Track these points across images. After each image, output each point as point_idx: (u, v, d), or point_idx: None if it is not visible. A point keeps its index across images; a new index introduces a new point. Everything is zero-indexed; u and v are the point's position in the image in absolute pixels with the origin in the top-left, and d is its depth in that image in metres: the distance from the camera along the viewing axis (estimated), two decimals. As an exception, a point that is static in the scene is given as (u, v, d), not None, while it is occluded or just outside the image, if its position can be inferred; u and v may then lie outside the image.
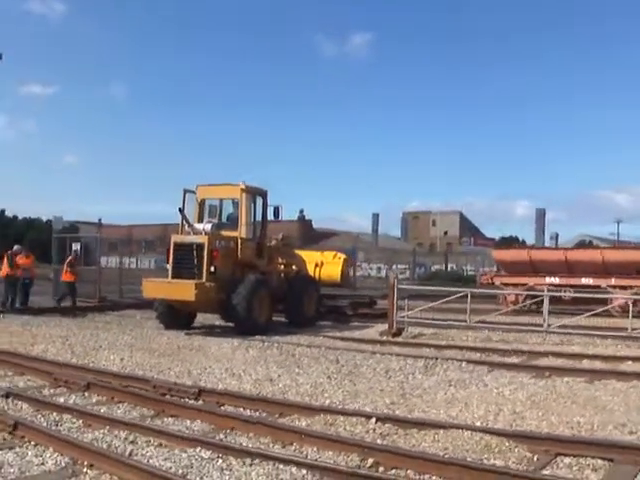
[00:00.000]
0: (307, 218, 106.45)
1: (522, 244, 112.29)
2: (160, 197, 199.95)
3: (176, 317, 22.09)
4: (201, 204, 23.19)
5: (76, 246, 33.83)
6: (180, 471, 7.57)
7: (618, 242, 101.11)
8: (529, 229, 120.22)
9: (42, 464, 7.91)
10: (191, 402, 11.29)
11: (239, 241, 21.96)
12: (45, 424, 9.67)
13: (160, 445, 8.69)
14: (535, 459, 8.25)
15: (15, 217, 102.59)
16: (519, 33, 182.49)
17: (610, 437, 9.34)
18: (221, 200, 23.73)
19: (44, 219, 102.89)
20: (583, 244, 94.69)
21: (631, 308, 20.60)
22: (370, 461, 8.00)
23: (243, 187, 22.13)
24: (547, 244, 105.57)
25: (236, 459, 7.94)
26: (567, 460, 8.30)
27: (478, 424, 9.85)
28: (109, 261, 43.33)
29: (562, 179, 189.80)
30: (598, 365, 15.97)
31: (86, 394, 12.03)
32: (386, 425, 9.54)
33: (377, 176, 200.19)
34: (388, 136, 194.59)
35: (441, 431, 9.06)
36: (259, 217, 23.12)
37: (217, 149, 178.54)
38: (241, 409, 10.86)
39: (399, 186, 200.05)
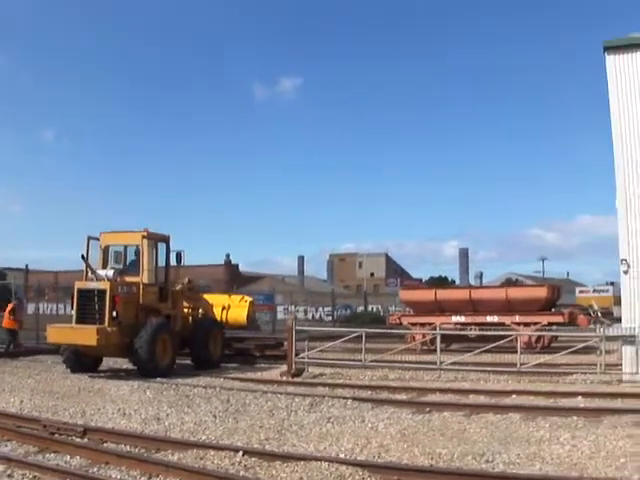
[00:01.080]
0: (233, 262, 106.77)
1: (449, 283, 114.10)
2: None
3: (82, 361, 22.27)
4: (105, 250, 23.46)
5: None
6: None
7: (543, 279, 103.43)
8: (458, 267, 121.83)
9: None
10: (77, 440, 11.68)
11: (141, 286, 22.25)
12: None
13: (34, 478, 9.19)
14: (386, 487, 8.87)
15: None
16: (435, 78, 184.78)
17: (464, 466, 10.00)
18: (125, 247, 23.97)
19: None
20: (509, 282, 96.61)
21: (536, 343, 21.25)
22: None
23: (144, 234, 22.53)
24: (472, 282, 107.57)
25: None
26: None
27: (342, 456, 10.43)
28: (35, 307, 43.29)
29: (492, 218, 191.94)
30: (481, 399, 16.71)
31: None
32: (252, 459, 10.10)
33: (308, 219, 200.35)
34: (321, 178, 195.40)
35: (302, 463, 9.64)
36: (162, 262, 23.47)
37: (144, 197, 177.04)
38: (122, 445, 11.31)
39: (330, 229, 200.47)
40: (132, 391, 17.88)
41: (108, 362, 23.80)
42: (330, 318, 57.43)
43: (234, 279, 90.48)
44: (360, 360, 21.84)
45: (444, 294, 33.54)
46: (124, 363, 23.44)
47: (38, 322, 34.85)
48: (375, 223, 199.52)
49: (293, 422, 13.60)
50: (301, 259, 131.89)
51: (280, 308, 56.06)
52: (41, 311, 40.97)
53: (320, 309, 63.40)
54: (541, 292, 32.05)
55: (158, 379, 20.11)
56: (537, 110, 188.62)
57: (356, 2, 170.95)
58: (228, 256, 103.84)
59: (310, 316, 62.13)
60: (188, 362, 24.10)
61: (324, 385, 19.24)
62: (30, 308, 41.81)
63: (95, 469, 9.80)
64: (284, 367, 22.55)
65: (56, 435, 12.04)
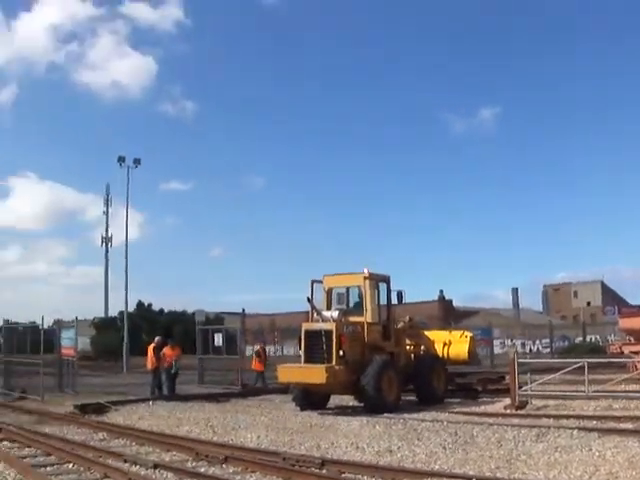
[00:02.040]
0: (447, 298, 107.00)
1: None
2: (299, 286, 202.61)
3: (310, 399, 23.30)
4: (328, 293, 24.57)
5: (218, 337, 35.98)
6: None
7: None
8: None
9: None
10: (316, 471, 12.54)
11: (365, 325, 23.12)
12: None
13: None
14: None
15: (162, 310, 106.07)
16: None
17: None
18: (347, 288, 25.00)
19: (189, 311, 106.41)
20: None
21: None
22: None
23: (366, 275, 23.40)
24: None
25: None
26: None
27: (569, 483, 10.84)
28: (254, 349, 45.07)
29: None
30: None
31: (224, 466, 13.47)
32: (484, 485, 10.66)
33: (521, 250, 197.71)
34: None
35: (531, 489, 10.12)
36: (383, 301, 24.28)
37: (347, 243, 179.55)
38: (359, 476, 12.08)
39: (542, 259, 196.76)
40: (362, 426, 18.62)
41: (334, 400, 24.65)
42: (547, 350, 56.87)
43: (448, 314, 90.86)
44: (583, 391, 21.87)
45: (667, 319, 32.53)
46: (350, 400, 24.27)
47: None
48: (586, 249, 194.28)
49: (521, 452, 13.96)
50: (515, 291, 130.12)
51: (497, 342, 55.54)
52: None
53: (537, 341, 62.88)
54: None
55: (385, 415, 20.79)
56: None
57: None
58: (442, 292, 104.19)
59: (527, 349, 61.69)
60: (412, 398, 24.63)
61: (548, 417, 19.40)
62: (248, 350, 43.78)
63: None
64: (506, 401, 22.79)
65: (295, 467, 12.89)
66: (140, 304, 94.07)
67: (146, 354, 30.06)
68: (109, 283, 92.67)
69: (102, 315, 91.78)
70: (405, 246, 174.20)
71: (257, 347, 30.79)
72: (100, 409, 24.14)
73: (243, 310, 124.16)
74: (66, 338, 31.81)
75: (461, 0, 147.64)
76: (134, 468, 13.21)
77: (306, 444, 15.91)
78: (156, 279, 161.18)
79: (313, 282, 24.29)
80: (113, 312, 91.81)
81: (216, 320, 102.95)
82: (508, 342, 63.71)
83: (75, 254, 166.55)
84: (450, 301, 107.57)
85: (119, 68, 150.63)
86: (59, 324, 36.93)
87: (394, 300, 24.47)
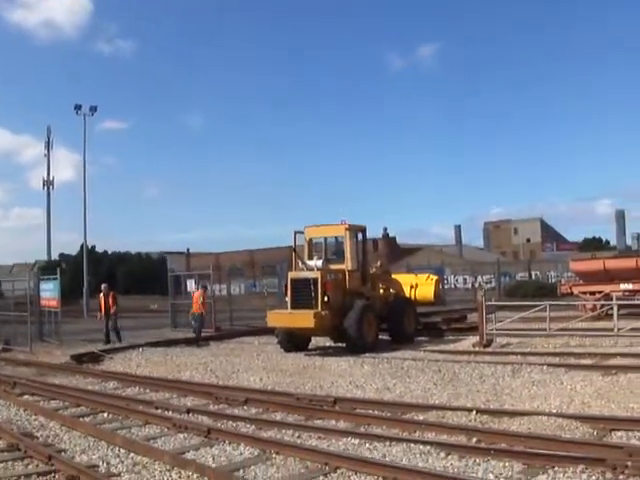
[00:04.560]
0: (391, 235, 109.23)
1: (604, 245, 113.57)
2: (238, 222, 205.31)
3: (294, 341, 25.11)
4: (309, 242, 26.47)
5: (190, 282, 37.67)
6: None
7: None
8: (613, 228, 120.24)
9: (240, 454, 11.06)
10: (335, 408, 14.35)
11: (346, 273, 25.03)
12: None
13: (319, 438, 11.94)
14: (595, 433, 11.33)
15: (105, 252, 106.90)
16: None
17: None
18: (325, 238, 27.05)
19: (132, 252, 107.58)
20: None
21: None
22: (474, 440, 11.14)
23: (347, 226, 25.19)
24: (630, 244, 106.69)
25: (378, 443, 11.18)
26: (619, 434, 11.30)
27: (554, 411, 12.91)
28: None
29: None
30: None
31: (245, 407, 15.08)
32: (484, 416, 12.74)
33: (455, 184, 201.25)
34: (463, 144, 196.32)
35: (525, 417, 12.19)
36: (360, 250, 26.12)
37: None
38: (370, 410, 13.99)
39: (478, 194, 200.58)
40: (351, 366, 20.52)
41: (313, 341, 26.48)
42: (490, 285, 58.94)
43: (394, 252, 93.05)
44: (544, 329, 24.18)
45: (612, 263, 35.10)
46: (327, 341, 26.26)
47: (231, 304, 39.17)
48: (521, 186, 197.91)
49: (504, 386, 16.14)
50: (458, 228, 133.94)
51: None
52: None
53: (479, 278, 65.26)
54: None
55: (367, 354, 22.68)
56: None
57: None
58: (386, 230, 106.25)
59: (470, 285, 64.12)
60: (385, 337, 26.52)
61: (515, 354, 21.49)
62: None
63: (362, 429, 12.49)
64: (472, 338, 25.01)
65: (310, 406, 14.53)
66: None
67: (94, 297, 30.67)
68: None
69: (43, 258, 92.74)
70: (342, 184, 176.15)
71: (201, 289, 31.66)
72: (95, 358, 25.28)
73: (188, 250, 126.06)
74: (47, 290, 32.67)
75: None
76: (169, 413, 14.43)
77: (308, 384, 17.72)
78: (98, 221, 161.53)
79: (296, 233, 26.12)
80: (54, 255, 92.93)
81: (159, 261, 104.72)
82: (452, 279, 66.18)
83: (11, 196, 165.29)
84: (394, 238, 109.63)
85: (52, 5, 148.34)
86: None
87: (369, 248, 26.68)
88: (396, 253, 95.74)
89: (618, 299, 25.57)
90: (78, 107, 63.79)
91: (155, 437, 12.55)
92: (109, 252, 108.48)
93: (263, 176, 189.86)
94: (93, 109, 64.59)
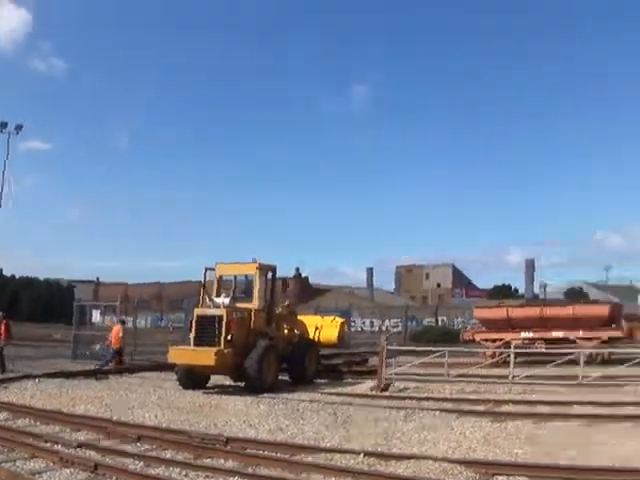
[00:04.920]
0: (304, 275, 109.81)
1: (512, 293, 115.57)
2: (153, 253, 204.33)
3: (194, 379, 24.91)
4: (219, 279, 26.50)
5: (96, 313, 37.39)
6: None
7: (608, 287, 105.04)
8: (522, 276, 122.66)
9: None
10: (225, 447, 14.30)
11: (253, 312, 25.08)
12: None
13: (207, 477, 11.97)
14: (477, 478, 11.60)
15: (13, 276, 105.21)
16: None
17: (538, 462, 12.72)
18: (235, 276, 27.11)
19: (41, 278, 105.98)
20: (573, 292, 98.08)
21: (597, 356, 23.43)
22: (360, 482, 11.34)
23: (257, 265, 25.41)
24: (537, 292, 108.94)
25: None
26: (501, 478, 11.60)
27: (440, 456, 13.12)
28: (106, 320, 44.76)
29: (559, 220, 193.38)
30: (546, 410, 19.10)
31: (138, 444, 14.95)
32: (371, 459, 12.89)
33: (369, 228, 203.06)
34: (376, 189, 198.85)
35: (412, 461, 12.40)
36: (269, 289, 26.26)
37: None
38: (260, 451, 13.98)
39: (391, 238, 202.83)
40: (247, 405, 20.49)
41: (213, 380, 26.25)
42: (396, 329, 59.59)
43: (305, 292, 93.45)
44: (442, 374, 24.50)
45: (516, 312, 35.98)
46: (223, 380, 26.11)
47: (135, 338, 38.53)
48: (434, 233, 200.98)
49: (395, 430, 16.34)
50: (370, 270, 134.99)
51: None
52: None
53: (387, 321, 65.94)
54: (604, 310, 34.68)
55: (265, 394, 22.70)
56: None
57: None
58: (298, 270, 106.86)
59: (377, 329, 64.72)
60: (285, 378, 26.51)
61: (411, 398, 21.77)
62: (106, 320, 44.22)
63: (250, 470, 12.52)
64: (370, 382, 25.11)
65: (201, 445, 14.47)
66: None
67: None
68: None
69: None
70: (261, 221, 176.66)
71: (118, 324, 31.44)
72: (-14, 388, 24.52)
73: (97, 279, 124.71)
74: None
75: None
76: (58, 447, 14.11)
77: (202, 423, 17.66)
78: (12, 243, 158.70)
79: (207, 269, 26.17)
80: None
81: (67, 289, 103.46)
82: (359, 321, 66.63)
83: None
84: (306, 278, 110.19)
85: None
86: None
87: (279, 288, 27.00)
88: (308, 293, 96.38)
89: (516, 347, 26.05)
90: (4, 125, 62.77)
91: (40, 471, 12.36)
92: (16, 276, 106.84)
93: (183, 204, 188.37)
94: (19, 128, 63.64)
